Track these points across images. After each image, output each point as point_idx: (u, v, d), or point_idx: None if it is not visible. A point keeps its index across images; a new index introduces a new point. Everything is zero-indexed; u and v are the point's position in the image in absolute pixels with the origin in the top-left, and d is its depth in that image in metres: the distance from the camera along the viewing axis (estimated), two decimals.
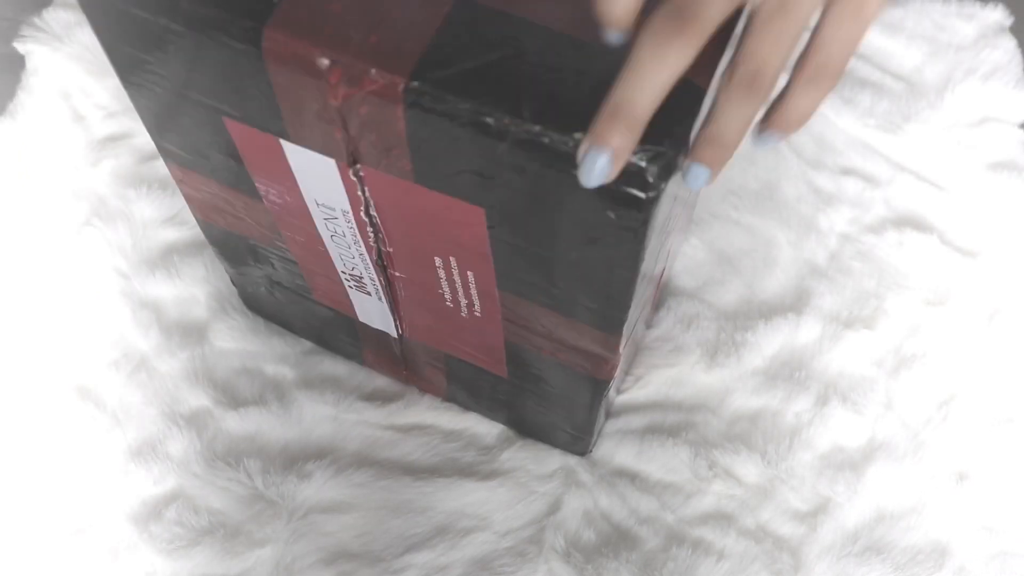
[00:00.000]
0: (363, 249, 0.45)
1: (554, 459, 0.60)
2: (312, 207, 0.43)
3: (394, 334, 0.54)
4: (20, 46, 0.72)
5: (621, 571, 0.56)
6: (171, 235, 0.66)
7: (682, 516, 0.58)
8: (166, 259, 0.65)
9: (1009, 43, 0.75)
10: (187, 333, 0.63)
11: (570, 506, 0.58)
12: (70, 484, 0.59)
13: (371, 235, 0.43)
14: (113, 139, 0.70)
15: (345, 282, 0.50)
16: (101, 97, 0.71)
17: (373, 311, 0.52)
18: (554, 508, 0.59)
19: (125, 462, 0.59)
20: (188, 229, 0.66)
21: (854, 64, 0.74)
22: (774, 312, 0.64)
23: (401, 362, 0.58)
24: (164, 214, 0.67)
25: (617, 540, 0.58)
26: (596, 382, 0.48)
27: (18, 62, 0.72)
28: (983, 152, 0.71)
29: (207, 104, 0.39)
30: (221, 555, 0.57)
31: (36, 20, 0.72)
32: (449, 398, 0.61)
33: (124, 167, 0.69)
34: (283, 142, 0.39)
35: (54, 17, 0.73)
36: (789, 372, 0.62)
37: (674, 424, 0.61)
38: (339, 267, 0.49)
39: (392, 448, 0.60)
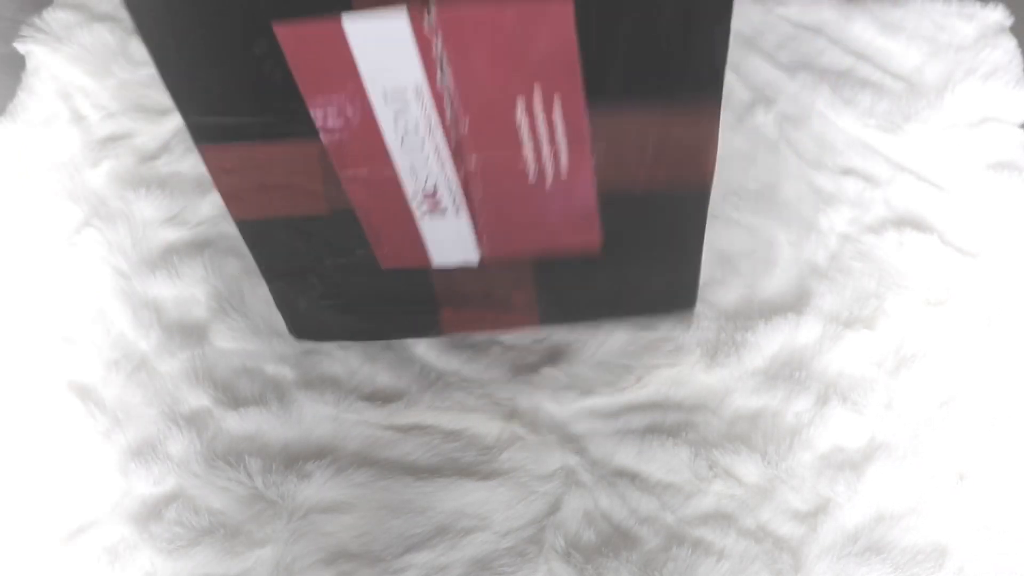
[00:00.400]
0: (439, 139, 0.43)
1: (554, 459, 0.60)
2: (379, 107, 0.41)
3: (475, 260, 0.51)
4: (20, 46, 0.72)
5: (621, 571, 0.56)
6: (171, 235, 0.66)
7: (682, 516, 0.58)
8: (166, 259, 0.65)
9: (1009, 43, 0.75)
10: (187, 333, 0.63)
11: (570, 506, 0.58)
12: (70, 484, 0.59)
13: (448, 113, 0.41)
14: (113, 139, 0.70)
15: (418, 210, 0.48)
16: (101, 97, 0.71)
17: (450, 241, 0.50)
18: (554, 508, 0.59)
19: (125, 462, 0.59)
20: (188, 229, 0.66)
21: (854, 64, 0.74)
22: (774, 312, 0.64)
23: (485, 300, 0.55)
24: (164, 214, 0.67)
25: (617, 540, 0.58)
26: (699, 194, 0.47)
27: (18, 62, 0.72)
28: (983, 152, 0.71)
29: (255, 12, 0.38)
30: (221, 555, 0.57)
31: (36, 20, 0.73)
32: (544, 320, 0.58)
33: (124, 167, 0.69)
34: (345, 21, 0.37)
35: (54, 17, 0.73)
36: (789, 372, 0.62)
37: (674, 424, 0.61)
38: (410, 190, 0.46)
39: (392, 448, 0.61)
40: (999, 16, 0.76)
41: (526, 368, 0.63)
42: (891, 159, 0.71)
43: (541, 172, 0.44)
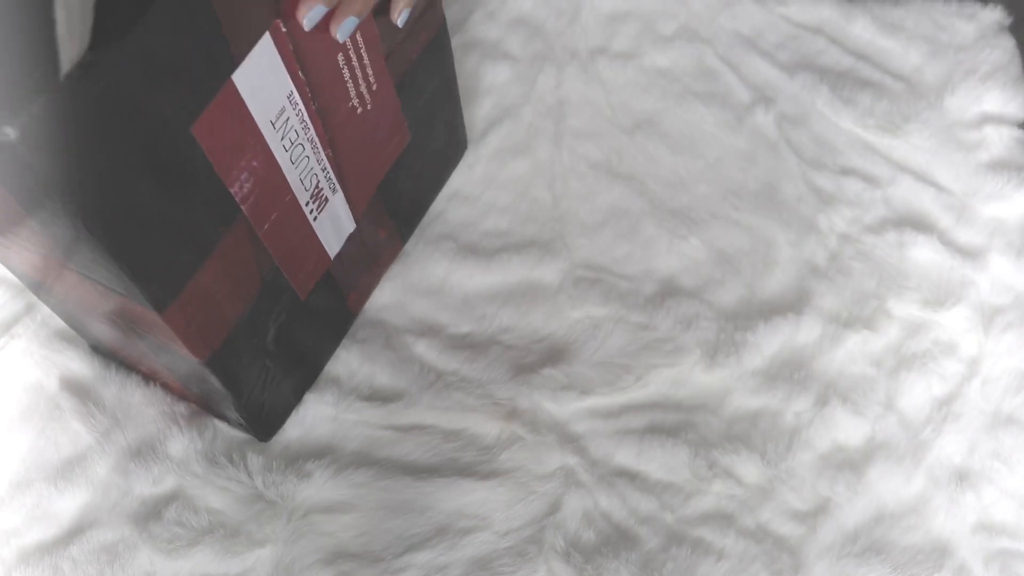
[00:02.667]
0: (311, 131, 0.50)
1: (554, 459, 0.60)
2: (271, 138, 0.47)
3: (352, 226, 0.59)
4: None
5: (621, 571, 0.56)
6: None
7: (682, 516, 0.58)
8: None
9: (1009, 43, 0.75)
10: None
11: (570, 506, 0.58)
12: (70, 484, 0.59)
13: (312, 99, 0.48)
14: None
15: (310, 216, 0.54)
16: None
17: (334, 226, 0.57)
18: (554, 508, 0.59)
19: (125, 462, 0.59)
20: None
21: (854, 64, 0.75)
22: (774, 312, 0.64)
23: (366, 258, 0.62)
24: None
25: (617, 540, 0.58)
26: (437, 46, 0.59)
27: None
28: (983, 152, 0.71)
29: (181, 142, 0.42)
30: (221, 555, 0.57)
31: None
32: (404, 238, 0.67)
33: None
34: (235, 77, 0.43)
35: None
36: (789, 372, 0.62)
37: (674, 424, 0.61)
38: (303, 200, 0.53)
39: (392, 448, 0.61)
40: (999, 16, 0.76)
41: (526, 368, 0.63)
42: (891, 159, 0.71)
43: (362, 100, 0.53)
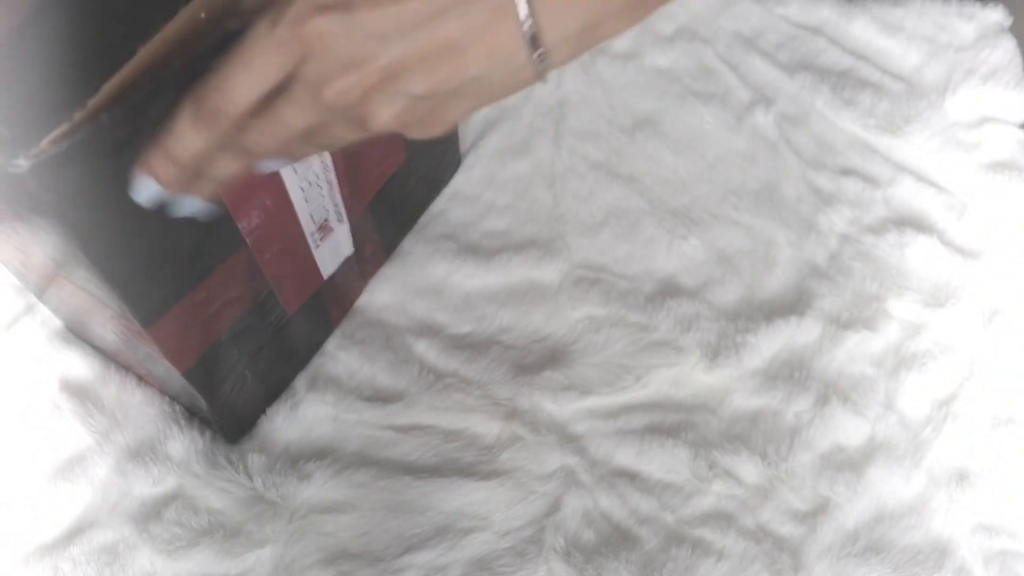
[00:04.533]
0: (331, 173, 0.49)
1: (554, 459, 0.60)
2: (288, 178, 0.46)
3: (351, 250, 0.59)
4: None
5: (621, 571, 0.56)
6: None
7: (682, 516, 0.58)
8: None
9: (1009, 43, 0.75)
10: None
11: (570, 506, 0.58)
12: (69, 484, 0.59)
13: None
14: None
15: (313, 243, 0.54)
16: None
17: (333, 251, 0.57)
18: (554, 508, 0.59)
19: (124, 462, 0.59)
20: None
21: (854, 64, 0.75)
22: (774, 312, 0.64)
23: (357, 273, 0.63)
24: None
25: (617, 540, 0.58)
26: None
27: None
28: (983, 152, 0.71)
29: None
30: (221, 555, 0.57)
31: None
32: (388, 251, 0.66)
33: None
34: None
35: None
36: (789, 372, 0.62)
37: (674, 424, 0.61)
38: (308, 232, 0.52)
39: (392, 448, 0.60)
40: (999, 16, 0.76)
41: (526, 368, 0.63)
42: (891, 159, 0.71)
43: None
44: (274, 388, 0.62)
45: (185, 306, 0.47)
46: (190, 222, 0.40)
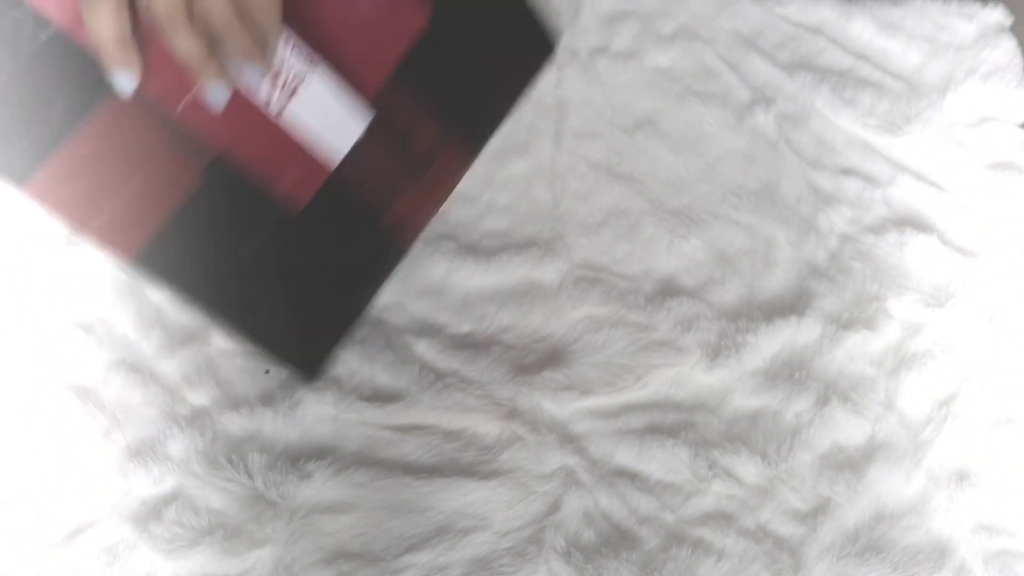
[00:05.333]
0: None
1: (554, 459, 0.60)
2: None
3: (366, 115, 0.50)
4: None
5: (621, 571, 0.56)
6: None
7: (682, 516, 0.58)
8: None
9: (1009, 43, 0.75)
10: (188, 333, 0.63)
11: (570, 506, 0.58)
12: (70, 484, 0.59)
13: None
14: None
15: (276, 107, 0.47)
16: None
17: (327, 117, 0.49)
18: (554, 508, 0.59)
19: (125, 462, 0.59)
20: None
21: (854, 64, 0.74)
22: (774, 312, 0.64)
23: (410, 166, 0.53)
24: None
25: (617, 540, 0.58)
26: None
27: None
28: (983, 152, 0.71)
29: None
30: (221, 555, 0.57)
31: None
32: (472, 146, 0.56)
33: None
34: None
35: None
36: (789, 372, 0.62)
37: (674, 424, 0.61)
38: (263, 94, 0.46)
39: (392, 448, 0.61)
40: (999, 16, 0.76)
41: (526, 368, 0.63)
42: (891, 159, 0.71)
43: None
44: (334, 315, 0.55)
45: (67, 160, 0.42)
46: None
